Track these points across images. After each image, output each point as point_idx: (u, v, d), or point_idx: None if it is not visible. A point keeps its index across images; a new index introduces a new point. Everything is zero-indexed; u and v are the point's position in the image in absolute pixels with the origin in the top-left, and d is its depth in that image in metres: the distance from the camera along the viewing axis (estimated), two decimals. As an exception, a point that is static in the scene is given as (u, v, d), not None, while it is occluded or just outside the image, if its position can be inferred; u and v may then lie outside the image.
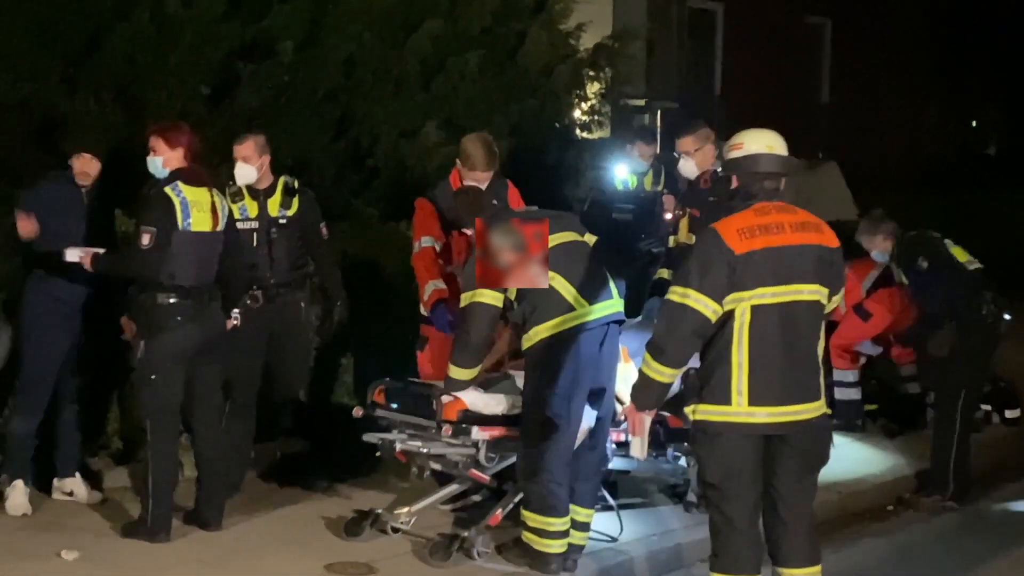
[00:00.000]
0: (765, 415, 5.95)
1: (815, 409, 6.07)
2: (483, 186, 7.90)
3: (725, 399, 5.95)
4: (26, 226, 7.58)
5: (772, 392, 5.95)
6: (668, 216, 10.16)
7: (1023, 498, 9.40)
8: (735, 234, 5.93)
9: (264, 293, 8.18)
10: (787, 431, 6.00)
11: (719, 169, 6.52)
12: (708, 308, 5.88)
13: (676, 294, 5.93)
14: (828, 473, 6.76)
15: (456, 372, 7.24)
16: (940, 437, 9.13)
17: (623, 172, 10.92)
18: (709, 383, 6.00)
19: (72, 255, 7.42)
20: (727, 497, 6.05)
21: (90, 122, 9.11)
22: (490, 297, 7.12)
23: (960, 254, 9.25)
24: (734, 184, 6.15)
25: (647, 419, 6.11)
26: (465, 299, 7.20)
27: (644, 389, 6.07)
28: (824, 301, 6.10)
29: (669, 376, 6.02)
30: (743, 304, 5.91)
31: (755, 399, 5.93)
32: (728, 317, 5.93)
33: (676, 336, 5.95)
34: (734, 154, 6.14)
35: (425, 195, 8.26)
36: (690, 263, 6.00)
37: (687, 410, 6.11)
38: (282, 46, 10.18)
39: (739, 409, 5.94)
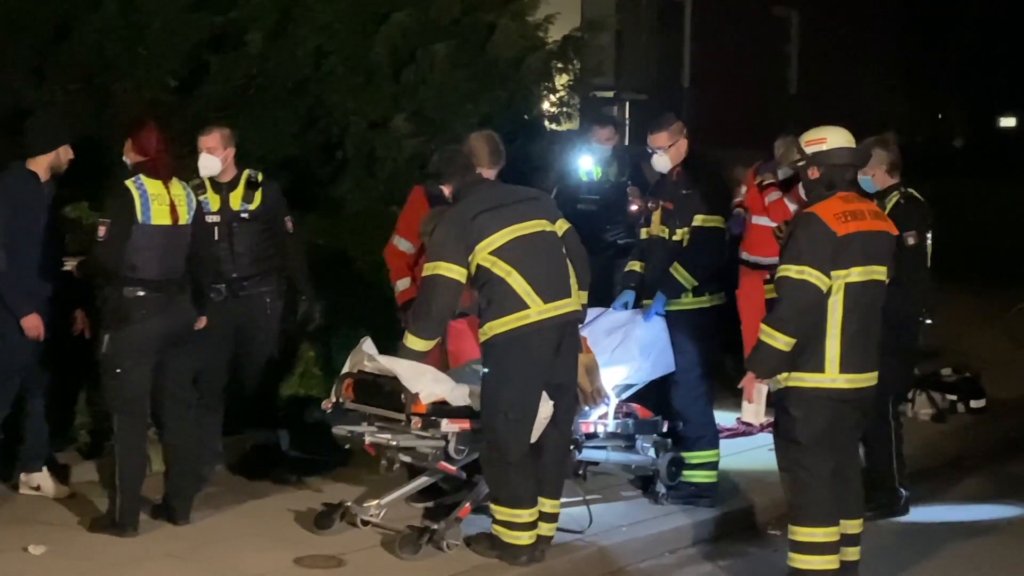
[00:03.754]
0: (846, 381, 6.66)
1: (875, 377, 6.84)
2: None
3: (819, 367, 6.61)
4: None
5: (855, 361, 6.66)
6: (633, 208, 10.15)
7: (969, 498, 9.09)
8: (833, 218, 6.57)
9: (227, 287, 8.16)
10: (858, 395, 6.76)
11: (798, 161, 6.87)
12: (823, 282, 6.53)
13: (793, 271, 6.54)
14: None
15: (412, 342, 7.20)
16: (879, 441, 8.25)
17: (588, 163, 10.89)
18: (804, 353, 6.61)
19: (68, 264, 7.61)
20: (816, 454, 6.69)
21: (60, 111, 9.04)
22: (454, 272, 7.08)
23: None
24: (814, 175, 6.73)
25: (764, 388, 6.70)
26: (427, 269, 7.16)
27: (766, 359, 6.64)
28: (886, 281, 6.83)
29: (789, 346, 6.58)
30: (839, 281, 6.57)
31: (844, 367, 6.63)
32: (827, 293, 6.59)
33: (800, 308, 6.55)
34: (818, 147, 6.74)
35: (423, 184, 8.27)
36: (797, 244, 6.58)
37: (780, 377, 6.66)
38: (251, 37, 10.12)
39: (829, 376, 6.62)
